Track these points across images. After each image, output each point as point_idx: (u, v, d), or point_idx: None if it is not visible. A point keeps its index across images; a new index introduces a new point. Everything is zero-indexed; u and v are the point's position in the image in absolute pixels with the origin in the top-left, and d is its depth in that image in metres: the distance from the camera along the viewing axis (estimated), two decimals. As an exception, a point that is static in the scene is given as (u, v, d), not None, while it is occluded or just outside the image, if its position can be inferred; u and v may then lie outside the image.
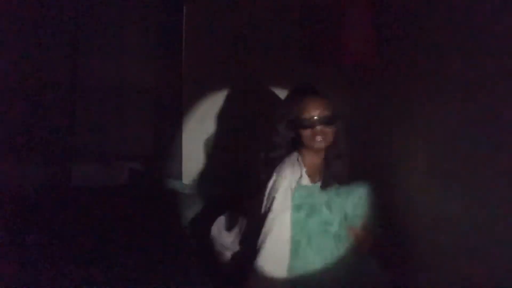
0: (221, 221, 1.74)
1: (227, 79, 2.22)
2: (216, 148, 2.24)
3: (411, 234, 1.65)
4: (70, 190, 2.22)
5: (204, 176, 2.21)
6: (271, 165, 1.56)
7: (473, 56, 1.36)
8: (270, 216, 1.47)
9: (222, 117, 2.23)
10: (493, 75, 1.29)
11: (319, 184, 1.55)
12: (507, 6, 1.24)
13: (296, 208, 1.48)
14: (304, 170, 1.55)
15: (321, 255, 1.48)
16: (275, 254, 1.45)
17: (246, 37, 2.23)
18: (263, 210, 1.50)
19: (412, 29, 1.64)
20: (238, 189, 2.03)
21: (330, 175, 1.59)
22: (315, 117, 1.51)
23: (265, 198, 1.51)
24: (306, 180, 1.55)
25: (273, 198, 1.48)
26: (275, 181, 1.51)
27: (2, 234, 1.84)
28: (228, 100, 2.23)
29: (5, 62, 2.09)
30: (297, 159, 1.56)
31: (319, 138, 1.51)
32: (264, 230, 1.46)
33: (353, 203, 1.55)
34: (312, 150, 1.56)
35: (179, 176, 2.24)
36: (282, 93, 2.20)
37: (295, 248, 1.47)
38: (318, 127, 1.51)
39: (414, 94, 1.64)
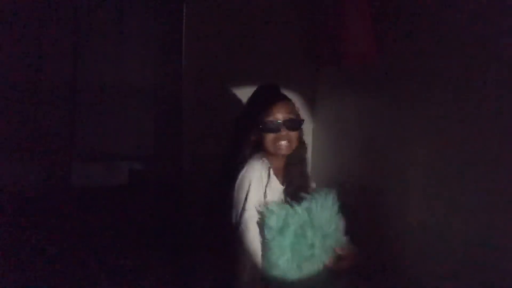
0: None
1: (227, 79, 2.22)
2: (216, 148, 2.23)
3: (407, 246, 1.64)
4: (70, 190, 2.22)
5: (204, 176, 2.21)
6: (236, 170, 1.44)
7: (475, 56, 1.36)
8: (245, 214, 1.37)
9: (222, 117, 2.23)
10: (496, 76, 1.29)
11: (295, 202, 1.42)
12: (507, 5, 1.24)
13: (281, 231, 1.37)
14: (271, 168, 1.45)
15: (306, 275, 1.40)
16: (253, 252, 1.38)
17: (246, 37, 2.23)
18: (235, 206, 1.40)
19: (413, 29, 1.64)
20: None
21: (292, 180, 1.51)
22: (280, 121, 1.41)
23: (236, 195, 1.40)
24: (274, 179, 1.47)
25: (247, 192, 1.37)
26: (243, 176, 1.39)
27: (2, 234, 1.84)
28: (228, 100, 2.23)
29: (5, 62, 2.09)
30: (262, 159, 1.43)
31: (283, 143, 1.42)
32: (241, 228, 1.37)
33: (327, 218, 1.45)
34: (274, 155, 1.46)
35: (179, 176, 2.24)
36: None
37: (284, 271, 1.38)
38: (283, 132, 1.41)
39: (415, 95, 1.64)
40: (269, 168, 1.44)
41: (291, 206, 1.40)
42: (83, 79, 2.26)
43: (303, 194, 1.45)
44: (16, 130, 2.12)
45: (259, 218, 1.39)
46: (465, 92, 1.39)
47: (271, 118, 1.41)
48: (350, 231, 1.57)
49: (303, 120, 1.48)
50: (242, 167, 1.42)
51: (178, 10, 2.19)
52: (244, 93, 2.24)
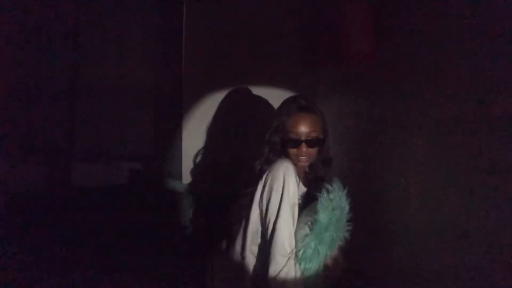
0: None
1: (227, 79, 2.23)
2: (216, 148, 2.24)
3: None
4: (70, 190, 2.22)
5: (204, 176, 2.21)
6: (259, 173, 1.55)
7: (475, 56, 1.36)
8: (285, 211, 1.44)
9: (222, 117, 2.23)
10: (496, 76, 1.29)
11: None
12: (507, 6, 1.24)
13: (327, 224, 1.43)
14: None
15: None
16: (291, 244, 1.44)
17: (246, 37, 2.23)
18: (268, 206, 1.47)
19: (413, 29, 1.64)
20: (238, 188, 2.02)
21: (316, 178, 1.63)
22: (302, 138, 1.52)
23: (273, 189, 1.47)
24: (301, 184, 1.59)
25: (283, 184, 1.46)
26: (285, 173, 1.47)
27: (2, 234, 1.84)
28: (228, 100, 2.23)
29: (5, 61, 2.09)
30: (288, 160, 1.54)
31: (303, 158, 1.53)
32: (280, 222, 1.44)
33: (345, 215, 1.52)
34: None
35: (179, 176, 2.24)
36: (281, 94, 2.20)
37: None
38: (304, 149, 1.52)
39: (415, 95, 1.64)
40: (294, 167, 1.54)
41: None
42: (83, 79, 2.26)
43: (327, 185, 1.51)
44: (16, 130, 2.12)
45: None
46: (465, 92, 1.39)
47: (293, 136, 1.52)
48: (348, 230, 1.57)
49: (323, 139, 1.58)
50: (267, 168, 1.52)
51: (178, 10, 2.19)
52: (244, 93, 2.24)
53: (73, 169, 2.25)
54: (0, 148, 2.09)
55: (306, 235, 1.43)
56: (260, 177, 1.52)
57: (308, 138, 1.52)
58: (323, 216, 1.42)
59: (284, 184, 1.45)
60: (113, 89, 2.31)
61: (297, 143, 1.52)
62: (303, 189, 1.63)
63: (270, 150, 1.57)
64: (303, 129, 1.52)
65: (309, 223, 1.44)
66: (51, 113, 2.19)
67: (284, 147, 1.55)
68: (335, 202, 1.45)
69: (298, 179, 1.54)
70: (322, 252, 1.44)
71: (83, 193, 2.17)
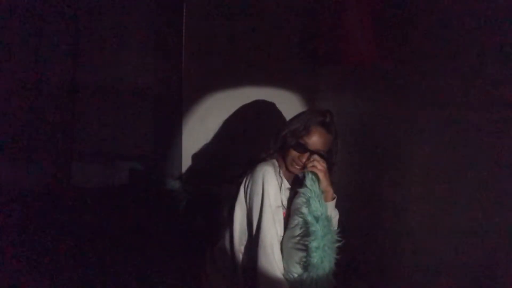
0: None
1: (227, 79, 2.23)
2: (216, 148, 2.24)
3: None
4: (70, 190, 2.22)
5: (204, 176, 2.21)
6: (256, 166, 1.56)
7: (475, 56, 1.36)
8: (266, 213, 1.46)
9: (222, 117, 2.23)
10: (494, 76, 1.29)
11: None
12: (507, 7, 1.24)
13: (315, 219, 1.45)
14: (281, 173, 1.60)
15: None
16: (274, 247, 1.46)
17: (246, 37, 2.24)
18: (253, 205, 1.49)
19: (413, 29, 1.64)
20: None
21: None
22: (309, 148, 1.53)
23: (253, 193, 1.50)
24: (286, 182, 1.61)
25: (267, 192, 1.48)
26: (264, 176, 1.49)
27: (2, 234, 1.84)
28: (228, 100, 2.23)
29: (5, 62, 2.09)
30: (275, 165, 1.58)
31: (297, 167, 1.55)
32: (262, 225, 1.46)
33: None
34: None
35: (179, 176, 2.24)
36: (281, 93, 2.21)
37: (306, 261, 1.44)
38: (304, 159, 1.53)
39: (415, 94, 1.64)
40: (279, 169, 1.58)
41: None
42: (83, 79, 2.26)
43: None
44: (16, 130, 2.12)
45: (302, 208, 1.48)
46: (464, 92, 1.40)
47: (302, 142, 1.53)
48: (348, 229, 1.57)
49: (326, 156, 1.57)
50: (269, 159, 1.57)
51: (178, 10, 2.19)
52: (244, 93, 2.24)
53: (73, 169, 2.25)
54: (0, 148, 2.09)
55: (299, 275, 1.44)
56: (251, 168, 1.55)
57: (314, 150, 1.54)
58: (315, 255, 1.41)
59: (263, 187, 1.47)
60: (113, 89, 2.31)
61: (301, 149, 1.53)
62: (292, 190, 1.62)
63: (277, 144, 1.59)
64: (314, 142, 1.54)
65: (302, 261, 1.44)
66: (51, 113, 2.19)
67: (287, 147, 1.56)
68: (313, 205, 1.45)
69: (281, 181, 1.56)
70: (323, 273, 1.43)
71: (83, 193, 2.17)
